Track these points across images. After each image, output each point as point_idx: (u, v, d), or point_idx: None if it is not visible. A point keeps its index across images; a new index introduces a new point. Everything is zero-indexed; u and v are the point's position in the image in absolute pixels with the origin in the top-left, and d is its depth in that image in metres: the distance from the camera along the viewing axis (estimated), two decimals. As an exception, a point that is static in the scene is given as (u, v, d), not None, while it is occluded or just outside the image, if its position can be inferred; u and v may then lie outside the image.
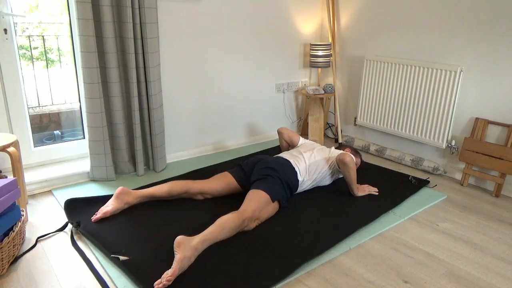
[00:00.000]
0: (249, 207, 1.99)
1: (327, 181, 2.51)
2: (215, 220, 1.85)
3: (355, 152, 2.76)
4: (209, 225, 1.82)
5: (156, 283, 1.56)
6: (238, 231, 1.93)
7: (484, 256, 1.93)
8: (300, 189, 2.40)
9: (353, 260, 1.85)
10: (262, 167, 2.27)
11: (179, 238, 1.68)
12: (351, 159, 2.35)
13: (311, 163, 2.40)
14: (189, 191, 2.24)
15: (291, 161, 2.35)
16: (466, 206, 2.44)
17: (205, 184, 2.28)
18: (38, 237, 1.94)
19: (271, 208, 2.12)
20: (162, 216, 2.12)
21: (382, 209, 2.28)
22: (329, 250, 1.89)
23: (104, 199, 2.27)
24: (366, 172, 2.82)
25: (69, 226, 2.05)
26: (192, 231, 1.93)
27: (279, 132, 2.76)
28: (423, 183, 2.65)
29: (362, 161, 2.82)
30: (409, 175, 2.78)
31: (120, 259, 1.74)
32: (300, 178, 2.34)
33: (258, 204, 2.03)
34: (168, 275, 1.56)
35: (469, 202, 2.49)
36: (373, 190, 2.49)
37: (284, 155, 2.44)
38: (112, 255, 1.76)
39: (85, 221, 2.05)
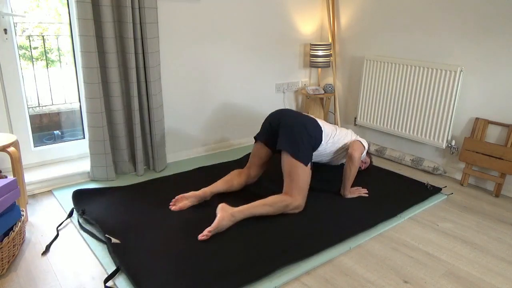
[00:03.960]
0: (298, 194, 2.14)
1: (338, 160, 2.52)
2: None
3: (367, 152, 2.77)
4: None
5: (200, 236, 1.87)
6: (283, 213, 2.13)
7: (484, 256, 1.93)
8: (318, 153, 2.36)
9: (353, 260, 1.85)
10: (288, 124, 2.23)
11: (221, 204, 2.00)
12: (359, 157, 2.32)
13: (334, 133, 2.38)
14: (248, 178, 2.39)
15: (318, 121, 2.33)
16: (466, 206, 2.44)
17: (252, 166, 2.40)
18: (60, 224, 2.01)
19: (308, 176, 2.20)
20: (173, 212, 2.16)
21: (389, 213, 2.24)
22: (329, 250, 1.89)
23: (110, 190, 2.39)
24: (378, 175, 2.79)
25: (70, 227, 2.06)
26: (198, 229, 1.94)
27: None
28: (438, 190, 2.57)
29: (371, 162, 2.82)
30: (426, 182, 2.68)
31: (112, 241, 1.83)
32: (324, 137, 2.31)
33: (303, 186, 2.15)
34: (208, 229, 1.88)
35: (469, 202, 2.49)
36: (363, 192, 2.46)
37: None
38: (106, 235, 1.88)
39: (89, 210, 2.15)
